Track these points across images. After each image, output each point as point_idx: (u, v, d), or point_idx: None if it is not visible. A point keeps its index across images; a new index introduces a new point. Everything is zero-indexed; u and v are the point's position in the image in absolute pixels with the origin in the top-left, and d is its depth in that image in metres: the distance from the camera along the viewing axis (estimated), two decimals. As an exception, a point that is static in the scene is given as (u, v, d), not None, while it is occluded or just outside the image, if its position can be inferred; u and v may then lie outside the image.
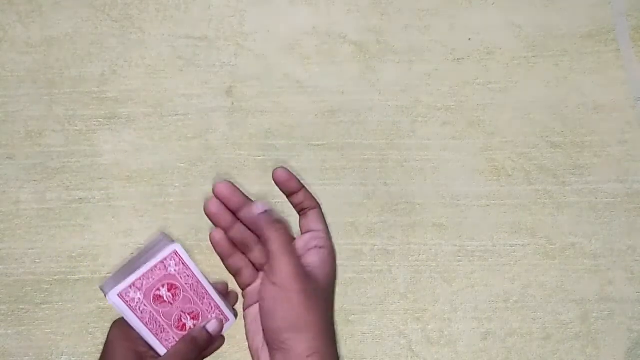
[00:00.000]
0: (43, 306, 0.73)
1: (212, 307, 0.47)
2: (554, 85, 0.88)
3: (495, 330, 0.75)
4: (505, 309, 0.76)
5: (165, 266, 0.45)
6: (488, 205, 0.81)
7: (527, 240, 0.79)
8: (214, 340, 0.45)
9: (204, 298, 0.46)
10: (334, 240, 0.80)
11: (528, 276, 0.77)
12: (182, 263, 0.46)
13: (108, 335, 0.44)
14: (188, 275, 0.46)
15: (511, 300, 0.76)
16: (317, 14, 0.92)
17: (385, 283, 0.77)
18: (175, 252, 0.47)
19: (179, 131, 0.84)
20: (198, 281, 0.46)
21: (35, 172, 0.81)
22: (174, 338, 0.45)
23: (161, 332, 0.44)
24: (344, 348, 0.75)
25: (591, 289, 0.77)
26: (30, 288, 0.74)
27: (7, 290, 0.75)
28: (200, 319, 0.46)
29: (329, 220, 0.81)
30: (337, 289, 0.78)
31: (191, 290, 0.46)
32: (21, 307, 0.74)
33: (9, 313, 0.73)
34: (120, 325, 0.44)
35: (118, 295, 0.43)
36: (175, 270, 0.46)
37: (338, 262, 0.80)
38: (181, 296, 0.46)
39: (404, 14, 0.92)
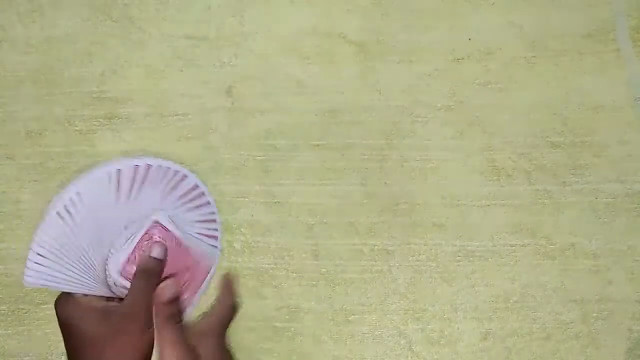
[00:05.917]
0: (43, 306, 0.73)
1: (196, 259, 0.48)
2: (554, 85, 0.88)
3: (495, 330, 0.75)
4: (505, 309, 0.76)
5: (150, 236, 0.46)
6: (488, 205, 0.81)
7: (527, 240, 0.79)
8: (164, 264, 0.45)
9: (188, 254, 0.48)
10: (334, 240, 0.81)
11: (528, 276, 0.77)
12: (166, 230, 0.47)
13: (59, 320, 0.42)
14: (171, 239, 0.47)
15: (511, 300, 0.76)
16: (317, 14, 0.92)
17: (385, 283, 0.77)
18: (157, 222, 0.47)
19: (179, 131, 0.84)
20: (180, 242, 0.47)
21: (35, 172, 0.81)
22: None
23: None
24: (344, 348, 0.75)
25: (591, 289, 0.77)
26: (30, 288, 0.74)
27: (7, 290, 0.75)
28: (191, 271, 0.47)
29: (329, 220, 0.81)
30: (338, 289, 0.78)
31: (174, 251, 0.47)
32: (21, 307, 0.74)
33: (9, 313, 0.73)
34: (64, 303, 0.43)
35: (120, 275, 0.43)
36: (160, 238, 0.47)
37: (338, 261, 0.80)
38: (166, 260, 0.47)
39: (404, 14, 0.92)
